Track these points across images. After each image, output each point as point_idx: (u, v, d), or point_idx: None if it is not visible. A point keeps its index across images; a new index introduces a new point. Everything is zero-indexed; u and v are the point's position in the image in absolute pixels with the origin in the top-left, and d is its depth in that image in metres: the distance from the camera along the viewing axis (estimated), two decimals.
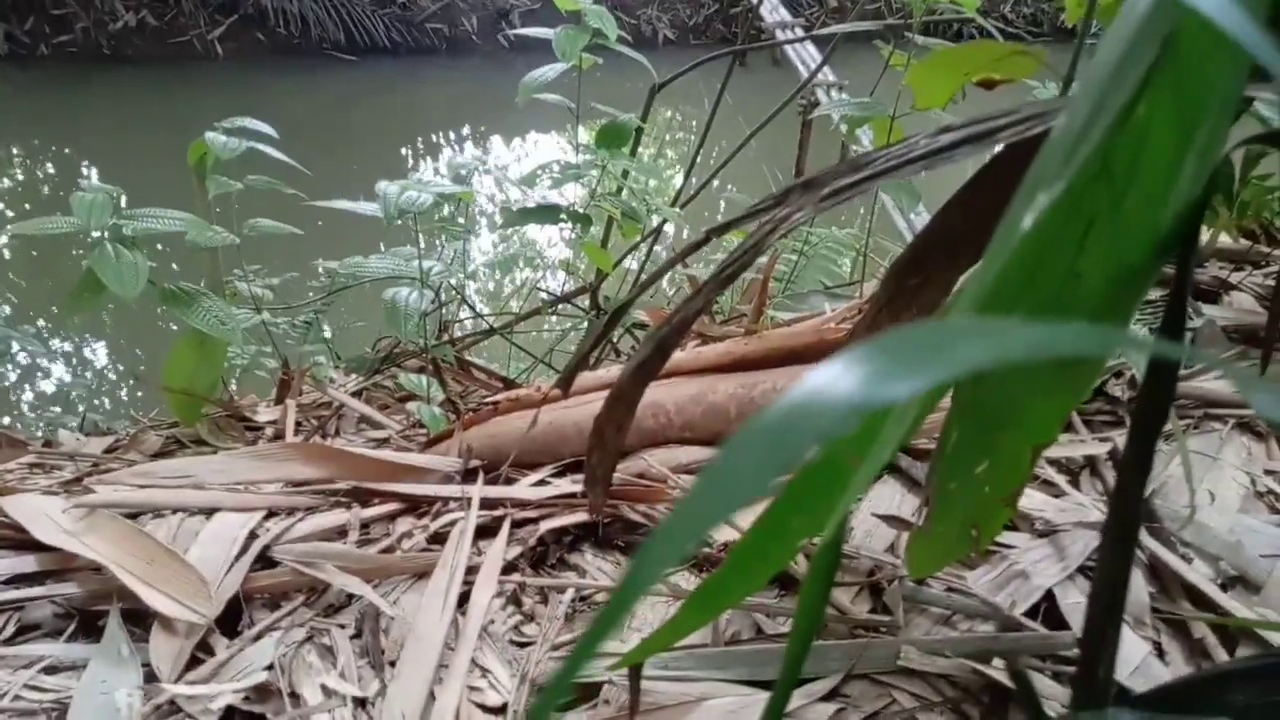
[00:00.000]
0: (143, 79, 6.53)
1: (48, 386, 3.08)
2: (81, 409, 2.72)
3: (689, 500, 0.17)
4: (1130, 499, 0.30)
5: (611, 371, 1.12)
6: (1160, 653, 0.70)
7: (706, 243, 0.49)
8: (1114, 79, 0.20)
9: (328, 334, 2.26)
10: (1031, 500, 0.83)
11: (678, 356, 1.09)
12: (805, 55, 4.99)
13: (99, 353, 3.36)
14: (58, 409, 2.95)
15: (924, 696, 0.67)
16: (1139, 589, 0.72)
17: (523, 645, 0.79)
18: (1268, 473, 0.84)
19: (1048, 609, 0.73)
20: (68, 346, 3.36)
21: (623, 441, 0.60)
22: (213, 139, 1.61)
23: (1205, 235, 1.22)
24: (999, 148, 0.44)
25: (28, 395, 3.06)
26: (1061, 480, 0.85)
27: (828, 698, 0.68)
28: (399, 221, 1.21)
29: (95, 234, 1.46)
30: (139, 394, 2.99)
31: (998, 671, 0.66)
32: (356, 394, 1.90)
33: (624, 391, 0.55)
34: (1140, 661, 0.68)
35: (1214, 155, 0.25)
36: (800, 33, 5.53)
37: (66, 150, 5.76)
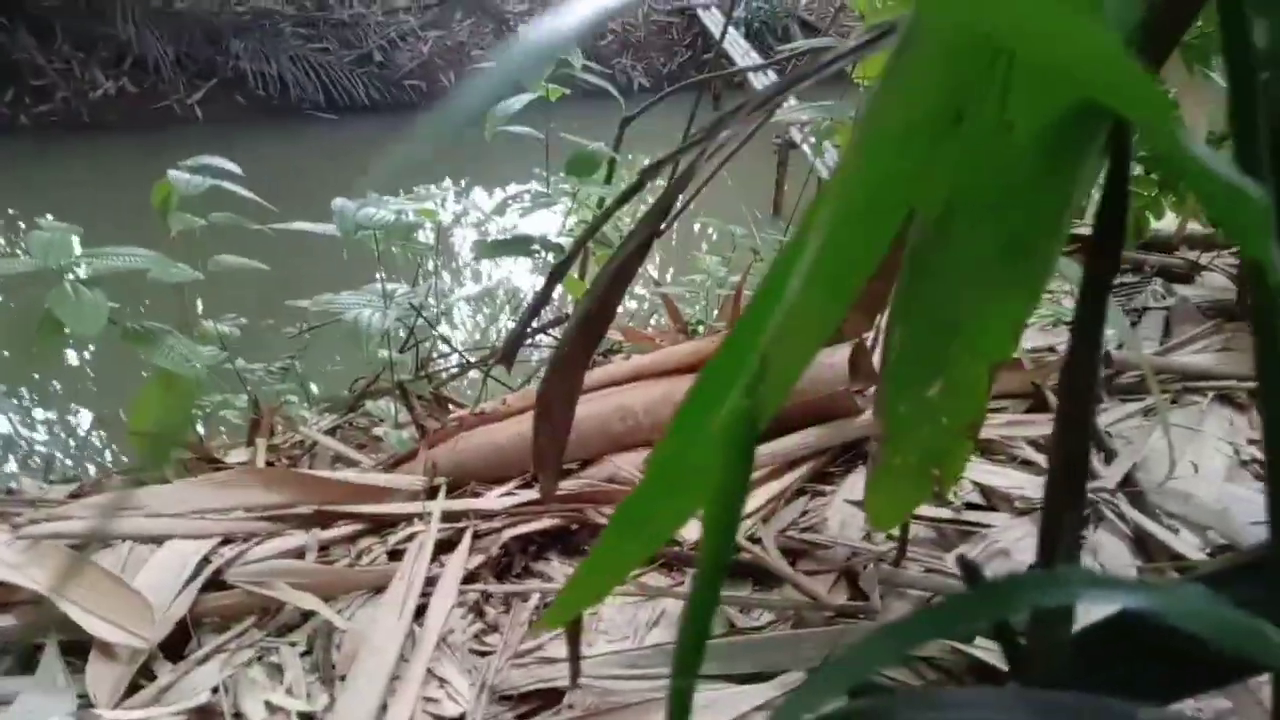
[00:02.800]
0: (124, 145, 6.57)
1: (12, 445, 3.02)
2: (46, 458, 2.66)
3: None
4: (1081, 366, 0.27)
5: None
6: None
7: (641, 188, 0.46)
8: None
9: (303, 376, 2.22)
10: (1010, 479, 0.80)
11: (644, 359, 1.07)
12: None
13: (75, 411, 3.30)
14: (14, 468, 2.89)
15: (905, 681, 0.63)
16: (1124, 558, 0.69)
17: (484, 654, 0.74)
18: (1251, 442, 0.81)
19: None
20: (38, 405, 3.30)
21: (571, 418, 0.57)
22: (175, 177, 1.60)
23: (1174, 222, 1.21)
24: None
25: None
26: (1040, 459, 0.82)
27: None
28: (356, 236, 1.19)
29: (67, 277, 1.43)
30: (110, 448, 2.93)
31: (981, 650, 0.62)
32: (330, 432, 1.86)
33: (568, 357, 0.52)
34: None
35: None
36: (770, 73, 5.62)
37: (49, 217, 5.75)
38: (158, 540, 0.95)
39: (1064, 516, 0.27)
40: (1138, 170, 1.23)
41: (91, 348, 3.52)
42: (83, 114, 6.90)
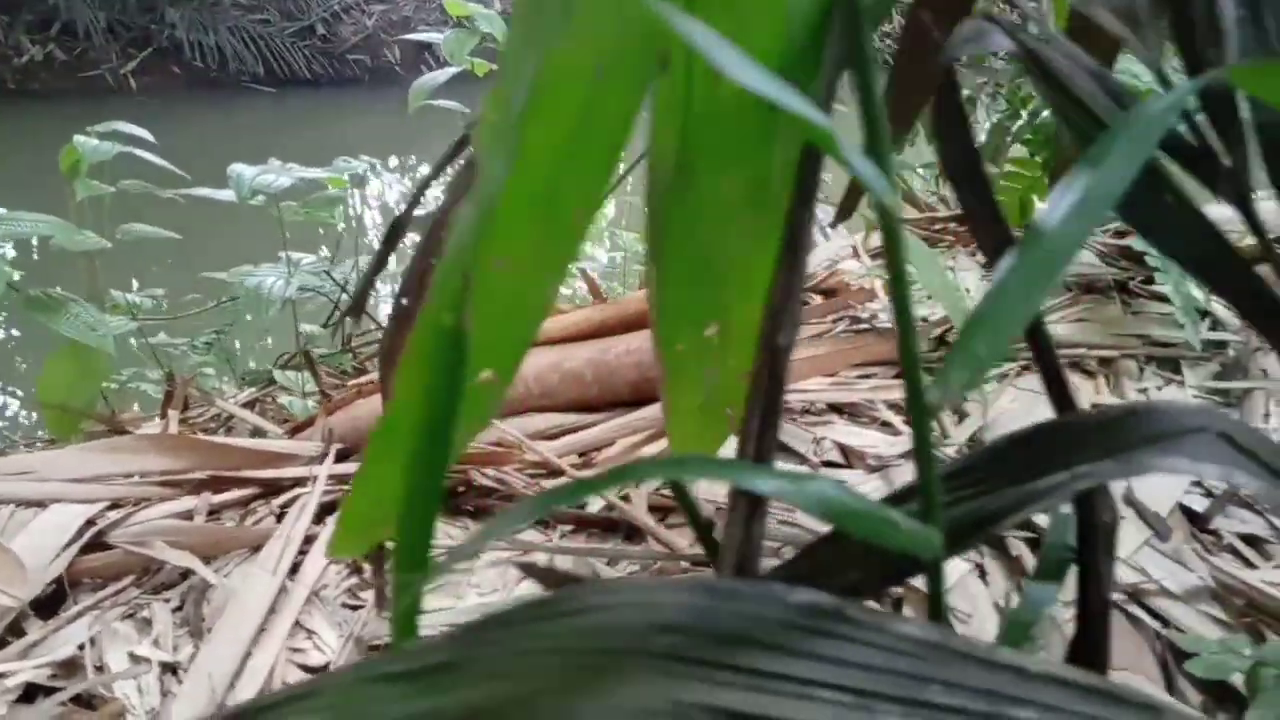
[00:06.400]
0: (50, 113, 6.34)
1: None
2: None
3: None
4: (783, 291, 0.30)
5: None
6: (982, 573, 0.71)
7: (458, 154, 0.48)
8: None
9: (229, 352, 2.19)
10: (867, 439, 0.84)
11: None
12: None
13: None
14: None
15: None
16: None
17: (355, 608, 0.76)
18: (1094, 406, 0.86)
19: None
20: None
21: None
22: (82, 143, 1.57)
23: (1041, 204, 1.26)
24: None
25: None
26: (897, 420, 0.86)
27: None
28: (254, 201, 1.19)
29: None
30: (25, 420, 2.86)
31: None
32: (249, 405, 1.85)
33: (406, 312, 0.54)
34: (959, 579, 0.69)
35: None
36: None
37: None
38: (43, 504, 0.95)
39: (761, 435, 0.30)
40: (1024, 152, 1.28)
41: (3, 315, 3.41)
42: (6, 80, 6.65)
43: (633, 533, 0.81)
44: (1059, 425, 0.31)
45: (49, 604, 0.80)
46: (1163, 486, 0.74)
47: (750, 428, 0.30)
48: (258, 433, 1.64)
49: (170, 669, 0.68)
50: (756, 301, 0.41)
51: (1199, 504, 0.73)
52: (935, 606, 0.29)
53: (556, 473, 0.91)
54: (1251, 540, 0.70)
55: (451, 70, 1.94)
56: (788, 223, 0.30)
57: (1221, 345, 0.93)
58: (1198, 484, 0.76)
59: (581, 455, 0.95)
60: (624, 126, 0.29)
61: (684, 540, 0.77)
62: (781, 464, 0.84)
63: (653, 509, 0.81)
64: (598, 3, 0.25)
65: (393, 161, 7.14)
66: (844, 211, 0.60)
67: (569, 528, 0.83)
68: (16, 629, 0.76)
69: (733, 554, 0.30)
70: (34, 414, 2.86)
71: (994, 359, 0.27)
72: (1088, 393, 0.89)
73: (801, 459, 0.82)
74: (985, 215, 0.33)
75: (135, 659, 0.69)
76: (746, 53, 0.30)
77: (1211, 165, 0.30)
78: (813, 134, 0.22)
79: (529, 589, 0.76)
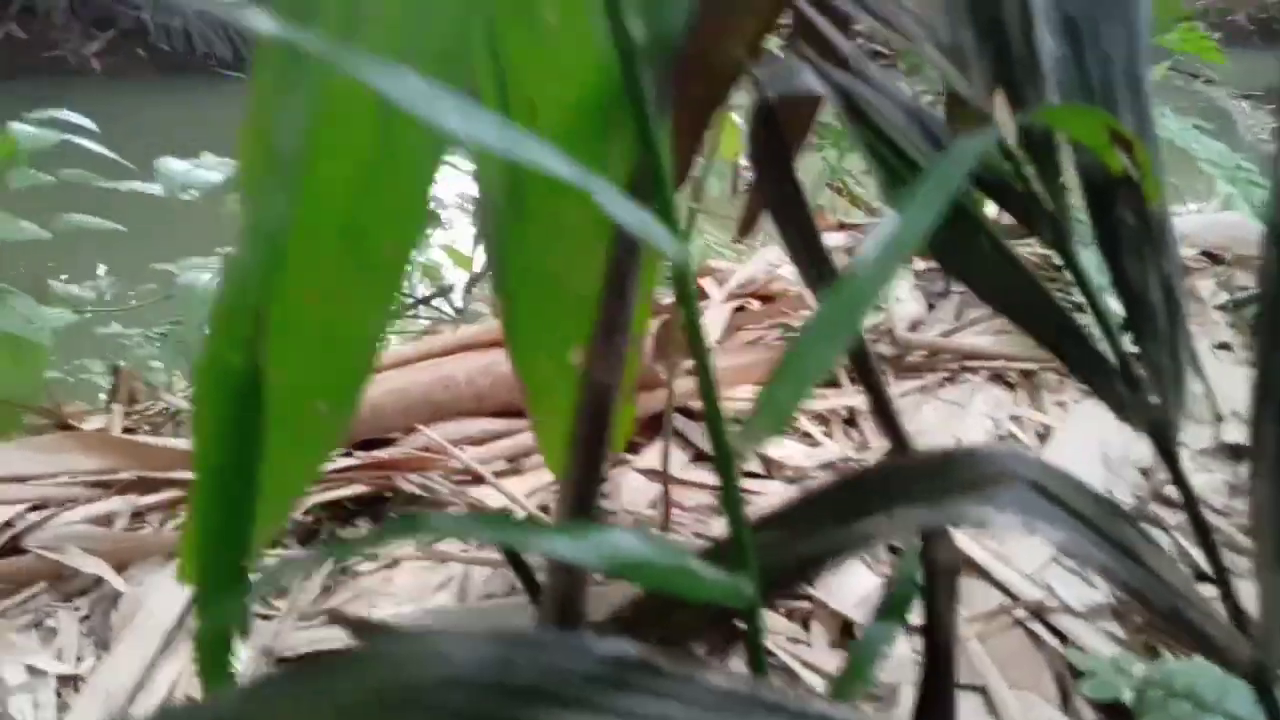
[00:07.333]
0: (8, 92, 6.22)
1: None
2: None
3: None
4: (609, 323, 0.29)
5: (405, 349, 1.09)
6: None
7: None
8: None
9: (187, 345, 2.16)
10: (786, 449, 0.84)
11: (471, 330, 1.08)
12: None
13: None
14: None
15: None
16: None
17: (268, 618, 0.75)
18: (1012, 418, 0.87)
19: None
20: None
21: None
22: (19, 130, 1.54)
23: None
24: None
25: None
26: (817, 431, 0.87)
27: None
28: (185, 197, 1.17)
29: None
30: None
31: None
32: None
33: None
34: (870, 591, 0.69)
35: None
36: None
37: None
38: None
39: (584, 476, 0.30)
40: None
41: None
42: None
43: None
44: (887, 468, 0.31)
45: None
46: None
47: (572, 474, 0.30)
48: None
49: (70, 681, 0.67)
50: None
51: None
52: (754, 656, 0.28)
53: (480, 479, 0.91)
54: None
55: None
56: (609, 256, 0.30)
57: (1141, 358, 0.94)
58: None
59: (510, 461, 0.94)
60: (428, 156, 0.28)
61: None
62: (704, 474, 0.84)
63: None
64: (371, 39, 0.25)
65: None
66: (746, 226, 0.60)
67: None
68: None
69: (553, 601, 0.29)
70: None
71: (798, 404, 0.27)
72: (1007, 405, 0.90)
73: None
74: (809, 255, 0.33)
75: (33, 671, 0.67)
76: (566, 89, 0.29)
77: (1035, 208, 0.30)
78: (568, 183, 0.22)
79: (445, 599, 0.76)
